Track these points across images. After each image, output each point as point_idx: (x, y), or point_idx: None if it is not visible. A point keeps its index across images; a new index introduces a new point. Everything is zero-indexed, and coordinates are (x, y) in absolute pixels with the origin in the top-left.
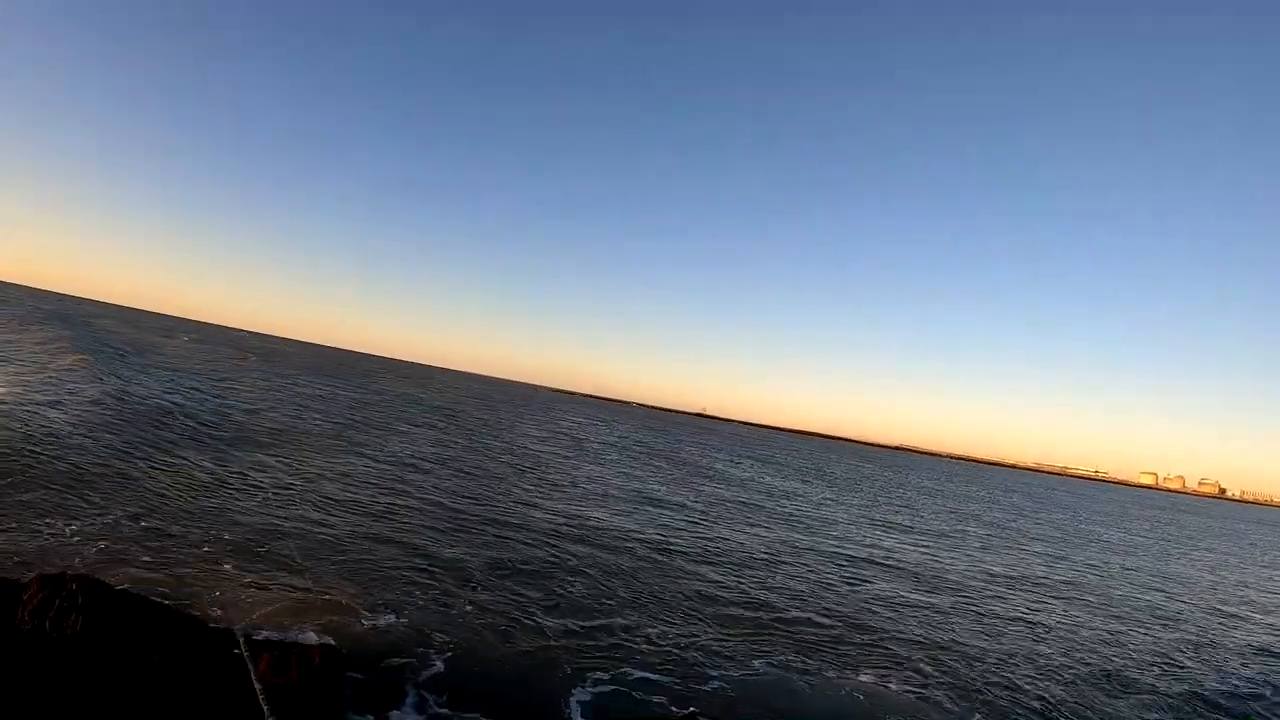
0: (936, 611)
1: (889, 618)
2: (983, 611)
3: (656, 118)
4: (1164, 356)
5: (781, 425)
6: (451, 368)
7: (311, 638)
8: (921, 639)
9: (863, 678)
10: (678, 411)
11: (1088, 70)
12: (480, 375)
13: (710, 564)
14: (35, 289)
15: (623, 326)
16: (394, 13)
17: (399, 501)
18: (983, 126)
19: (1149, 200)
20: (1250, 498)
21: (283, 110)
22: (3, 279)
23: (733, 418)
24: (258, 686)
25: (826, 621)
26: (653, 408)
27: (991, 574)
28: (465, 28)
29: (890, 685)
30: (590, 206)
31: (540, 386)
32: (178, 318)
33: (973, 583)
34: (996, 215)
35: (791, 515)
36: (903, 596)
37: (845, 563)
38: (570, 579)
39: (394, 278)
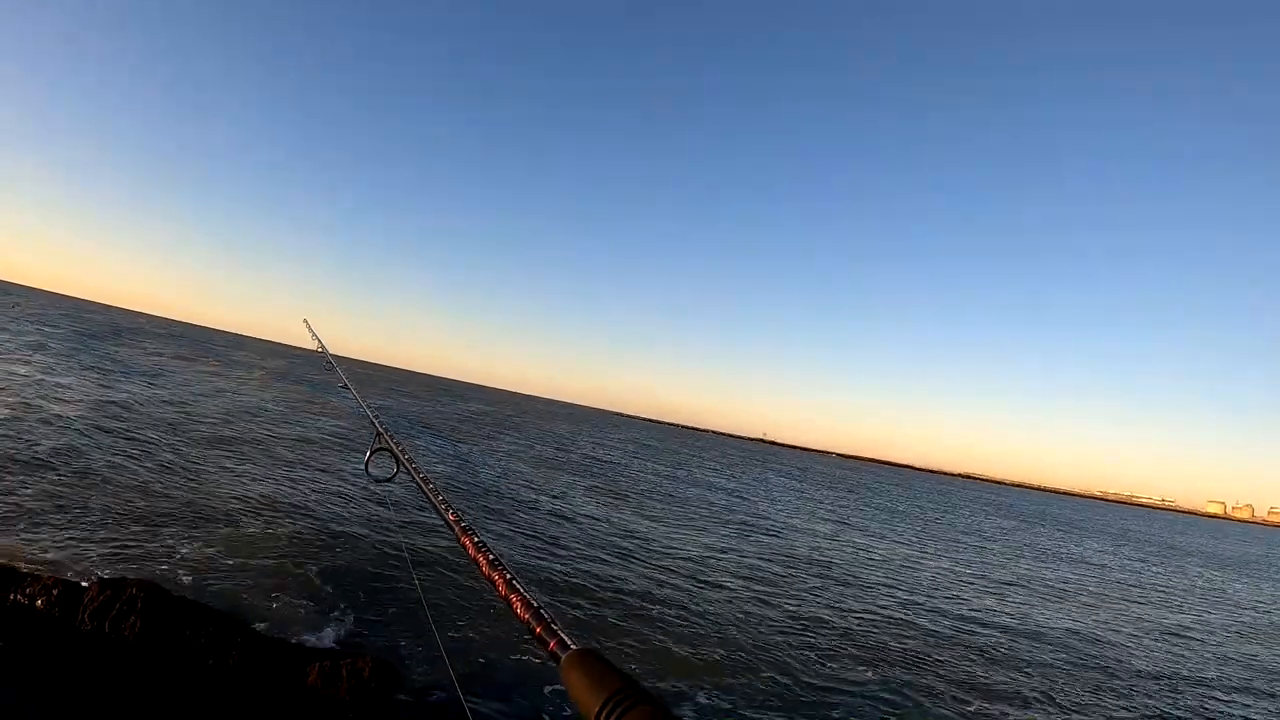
0: None
1: None
2: None
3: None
4: (1236, 382)
5: (840, 450)
6: (481, 382)
7: (366, 651)
8: None
9: None
10: (738, 436)
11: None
12: (513, 391)
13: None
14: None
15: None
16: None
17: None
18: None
19: (1229, 210)
20: None
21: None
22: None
23: (792, 443)
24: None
25: None
26: (717, 432)
27: None
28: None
29: None
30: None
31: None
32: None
33: None
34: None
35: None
36: None
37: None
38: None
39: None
